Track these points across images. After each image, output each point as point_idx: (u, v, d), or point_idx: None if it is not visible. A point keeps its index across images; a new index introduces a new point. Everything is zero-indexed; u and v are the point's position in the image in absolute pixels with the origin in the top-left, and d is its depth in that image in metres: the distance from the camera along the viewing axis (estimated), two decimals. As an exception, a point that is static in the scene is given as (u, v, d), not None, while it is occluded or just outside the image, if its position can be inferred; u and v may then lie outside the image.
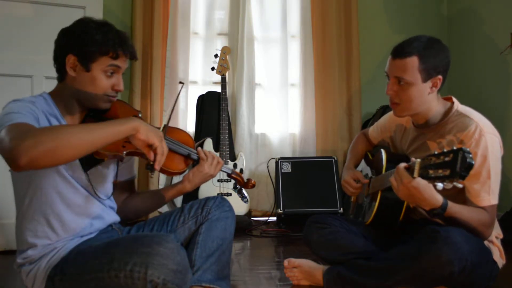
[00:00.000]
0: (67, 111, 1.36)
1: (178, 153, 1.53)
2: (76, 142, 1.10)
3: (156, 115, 3.09)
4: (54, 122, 1.31)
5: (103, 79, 1.33)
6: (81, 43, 1.29)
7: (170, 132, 1.54)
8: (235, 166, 3.02)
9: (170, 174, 1.52)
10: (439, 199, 1.35)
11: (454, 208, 1.39)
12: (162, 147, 1.27)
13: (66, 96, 1.36)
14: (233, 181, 2.95)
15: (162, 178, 3.13)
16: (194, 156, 1.57)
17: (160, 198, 1.63)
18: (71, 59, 1.31)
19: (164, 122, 1.41)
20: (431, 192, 1.33)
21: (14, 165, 1.04)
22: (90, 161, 1.37)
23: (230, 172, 1.69)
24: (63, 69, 1.33)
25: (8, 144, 1.05)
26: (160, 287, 1.17)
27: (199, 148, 1.60)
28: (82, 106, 1.37)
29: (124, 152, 1.33)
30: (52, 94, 1.38)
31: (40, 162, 1.06)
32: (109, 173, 1.49)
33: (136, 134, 1.22)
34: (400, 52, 1.52)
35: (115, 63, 1.33)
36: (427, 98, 1.54)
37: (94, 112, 1.39)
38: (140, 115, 1.47)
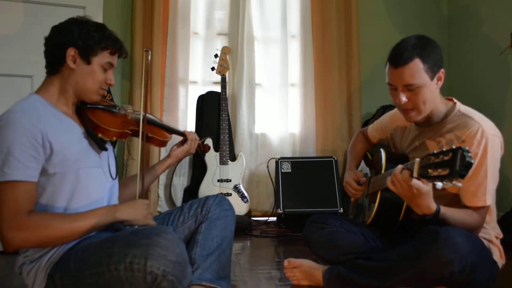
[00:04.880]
0: (61, 102, 1.41)
1: (162, 128, 1.72)
2: (63, 236, 1.28)
3: (156, 115, 3.09)
4: (53, 120, 1.34)
5: (100, 73, 1.42)
6: (83, 37, 1.38)
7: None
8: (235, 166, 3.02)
9: (160, 143, 1.68)
10: (432, 207, 1.36)
11: (446, 214, 1.40)
12: (141, 222, 1.40)
13: (60, 87, 1.40)
14: (232, 181, 2.96)
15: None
16: (178, 132, 1.78)
17: (154, 174, 1.73)
18: (72, 52, 1.37)
19: (143, 96, 1.58)
20: (428, 200, 1.34)
21: (4, 248, 1.23)
22: (101, 144, 1.44)
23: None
24: (61, 62, 1.38)
25: (1, 229, 1.21)
26: (160, 278, 1.17)
27: (186, 131, 1.79)
28: (75, 96, 1.43)
29: (128, 129, 1.51)
30: (41, 92, 1.40)
31: (28, 248, 1.31)
32: (111, 154, 1.56)
33: (118, 220, 1.37)
34: (401, 60, 1.48)
35: (111, 60, 1.44)
36: (436, 94, 1.54)
37: (87, 104, 1.48)
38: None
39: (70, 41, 1.37)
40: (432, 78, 1.50)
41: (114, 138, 1.48)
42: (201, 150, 1.91)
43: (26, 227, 1.22)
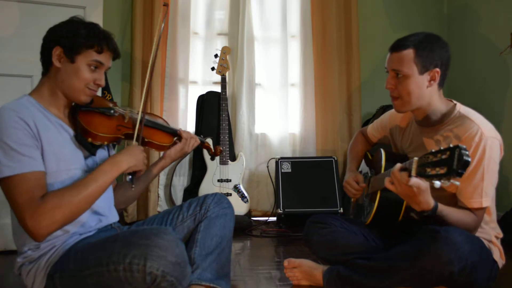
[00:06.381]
0: (51, 104, 1.40)
1: (163, 131, 1.65)
2: (82, 205, 1.28)
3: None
4: (43, 119, 1.34)
5: (86, 71, 1.39)
6: (67, 35, 1.37)
7: (151, 117, 1.69)
8: (235, 166, 3.02)
9: (159, 147, 1.63)
10: (431, 203, 1.37)
11: (444, 212, 1.41)
12: (141, 166, 1.43)
13: (50, 88, 1.40)
14: (232, 181, 2.97)
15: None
16: (171, 131, 1.69)
17: (148, 176, 1.69)
18: (57, 51, 1.37)
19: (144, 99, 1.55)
20: (427, 197, 1.35)
21: (35, 239, 1.24)
22: (92, 149, 1.42)
23: (203, 142, 1.83)
24: (49, 61, 1.38)
25: (24, 222, 1.21)
26: (159, 279, 1.17)
27: (181, 129, 1.71)
28: (64, 97, 1.41)
29: (122, 134, 1.47)
30: (34, 93, 1.40)
31: (57, 229, 1.27)
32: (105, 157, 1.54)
33: (123, 170, 1.38)
34: (397, 46, 1.55)
35: (99, 59, 1.40)
36: (426, 92, 1.55)
37: (81, 107, 1.46)
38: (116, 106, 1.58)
39: (57, 40, 1.37)
40: (421, 73, 1.52)
41: (106, 143, 1.45)
42: (212, 153, 1.88)
43: (45, 211, 1.21)
